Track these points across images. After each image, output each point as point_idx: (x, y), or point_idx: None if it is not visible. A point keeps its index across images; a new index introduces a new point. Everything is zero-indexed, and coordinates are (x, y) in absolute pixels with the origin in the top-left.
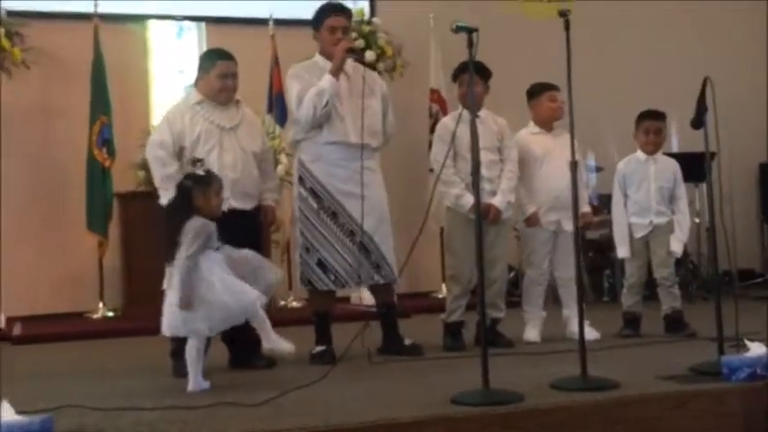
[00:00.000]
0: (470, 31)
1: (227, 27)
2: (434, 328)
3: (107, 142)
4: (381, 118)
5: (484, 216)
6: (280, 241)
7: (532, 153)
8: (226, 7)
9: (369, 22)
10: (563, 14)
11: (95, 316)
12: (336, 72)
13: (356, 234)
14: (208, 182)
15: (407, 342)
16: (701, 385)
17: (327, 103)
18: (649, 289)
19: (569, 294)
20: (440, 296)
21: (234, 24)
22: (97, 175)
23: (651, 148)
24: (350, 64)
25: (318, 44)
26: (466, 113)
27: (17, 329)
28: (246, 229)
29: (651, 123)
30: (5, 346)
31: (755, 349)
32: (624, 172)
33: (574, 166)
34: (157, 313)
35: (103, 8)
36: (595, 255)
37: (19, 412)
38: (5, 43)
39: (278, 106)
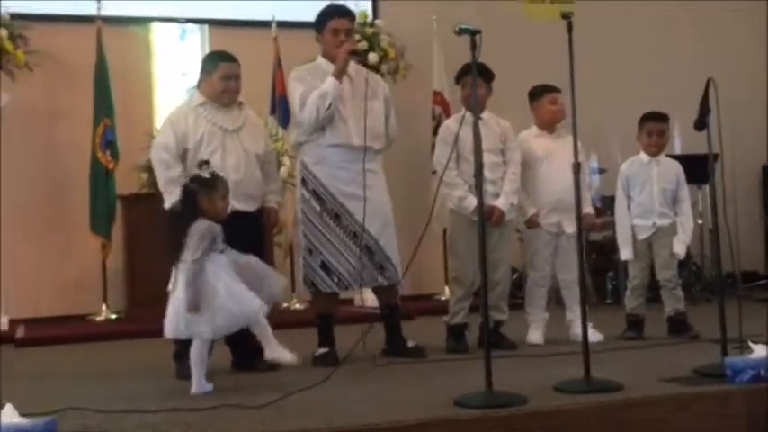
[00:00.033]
0: (473, 33)
1: (229, 29)
2: (437, 330)
3: (110, 145)
4: (384, 120)
5: (487, 218)
6: (282, 243)
7: (533, 155)
8: (228, 10)
9: (371, 24)
10: (566, 16)
11: (99, 318)
12: (339, 74)
13: (359, 236)
14: (213, 184)
15: (410, 344)
16: (704, 387)
17: (330, 105)
18: (653, 291)
19: (572, 297)
20: (443, 298)
21: (236, 27)
22: (100, 178)
23: (654, 150)
24: (352, 66)
25: (321, 46)
26: (469, 115)
27: (20, 332)
28: (249, 231)
29: (654, 125)
30: (9, 349)
31: (759, 351)
32: (627, 174)
33: (576, 167)
34: (161, 315)
35: (106, 11)
36: (598, 257)
37: (22, 415)
38: (8, 46)
39: (281, 108)
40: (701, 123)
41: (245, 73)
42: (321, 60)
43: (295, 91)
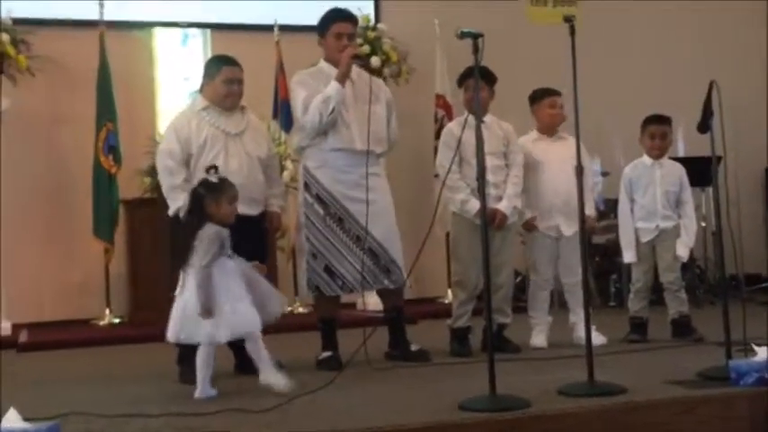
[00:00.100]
0: (475, 36)
1: (232, 34)
2: (441, 333)
3: (113, 149)
4: (386, 124)
5: (490, 221)
6: (285, 247)
7: (531, 159)
8: (230, 14)
9: (374, 28)
10: (568, 20)
11: (102, 323)
12: (342, 79)
13: (362, 239)
14: (221, 189)
15: (414, 348)
16: (708, 390)
17: (333, 109)
18: (656, 293)
19: (576, 300)
20: (446, 302)
21: (239, 31)
22: (103, 182)
23: (657, 153)
24: (355, 70)
25: (323, 50)
26: (471, 119)
27: (23, 336)
28: (252, 235)
29: (656, 128)
30: (11, 353)
31: (763, 354)
32: (630, 176)
33: (579, 170)
34: (164, 320)
35: (109, 15)
36: (602, 259)
37: (25, 419)
38: (11, 50)
39: (283, 112)
40: (704, 126)
41: (247, 77)
42: (324, 64)
43: (298, 95)
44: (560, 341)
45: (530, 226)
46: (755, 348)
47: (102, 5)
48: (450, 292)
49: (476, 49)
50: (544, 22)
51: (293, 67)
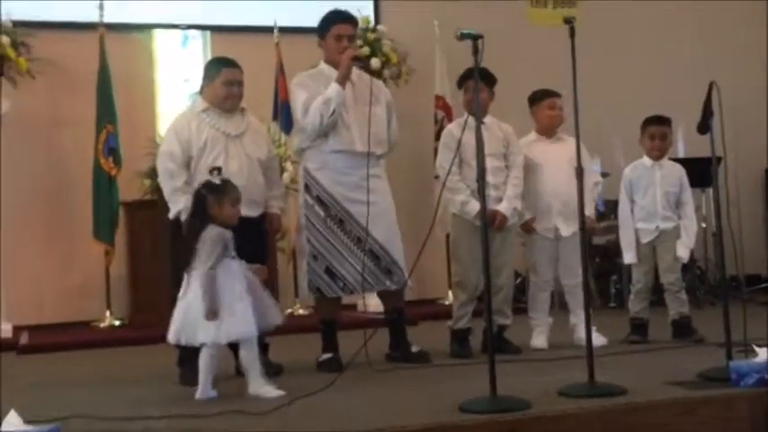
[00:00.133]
0: (475, 37)
1: (231, 35)
2: (441, 335)
3: (113, 151)
4: (386, 126)
5: (490, 223)
6: (285, 249)
7: (530, 160)
8: (230, 16)
9: (374, 30)
10: (568, 21)
11: (102, 325)
12: (343, 80)
13: (363, 241)
14: (223, 190)
15: (414, 349)
16: (709, 391)
17: (334, 111)
18: (656, 294)
19: (576, 301)
20: (446, 303)
21: (238, 33)
22: (103, 184)
23: (657, 154)
24: (355, 72)
25: (323, 52)
26: (471, 120)
27: (24, 339)
28: (252, 237)
29: (656, 129)
30: (12, 356)
31: (763, 354)
32: (630, 177)
33: (579, 172)
34: (164, 322)
35: (109, 18)
36: (602, 260)
37: (26, 422)
38: (11, 53)
39: (283, 114)
40: (703, 127)
41: (247, 79)
42: (324, 66)
43: (298, 97)
44: (561, 342)
45: (528, 227)
46: (756, 349)
47: (101, 7)
48: (450, 293)
49: (475, 51)
50: (544, 24)
51: (293, 69)
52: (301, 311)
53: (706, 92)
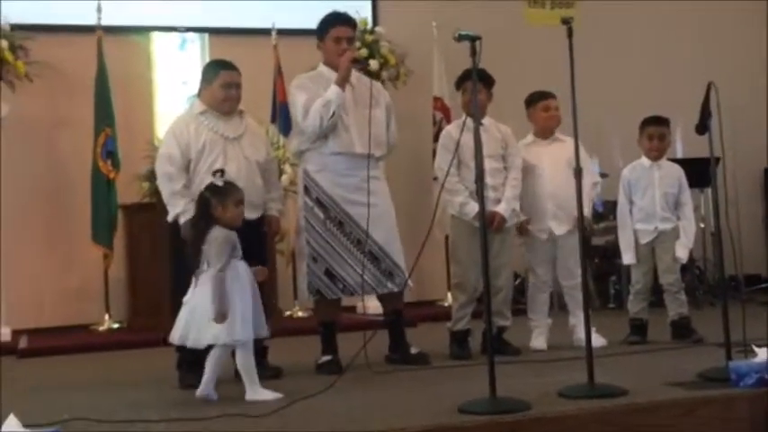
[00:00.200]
0: (473, 39)
1: (229, 38)
2: (440, 336)
3: (111, 154)
4: (385, 128)
5: (488, 224)
6: (284, 251)
7: (527, 162)
8: (228, 18)
9: (372, 31)
10: (566, 22)
11: (101, 328)
12: (342, 82)
13: (363, 243)
14: (225, 192)
15: (414, 351)
16: (709, 392)
17: (334, 113)
18: (656, 295)
19: (575, 302)
20: (446, 304)
21: (236, 35)
22: (102, 187)
23: (655, 154)
24: (354, 74)
25: (322, 54)
26: (469, 121)
27: (23, 342)
28: (251, 239)
29: (655, 129)
30: (11, 359)
31: (763, 355)
32: (629, 178)
33: (578, 172)
34: (163, 325)
35: (107, 20)
36: (601, 261)
37: (26, 425)
38: (9, 56)
39: (281, 116)
40: (702, 127)
41: (245, 81)
42: (323, 68)
43: (298, 99)
44: (560, 343)
45: (523, 229)
46: (755, 349)
47: (99, 10)
48: (449, 294)
49: (473, 52)
50: (542, 24)
51: (291, 71)
52: (300, 314)
53: (704, 91)
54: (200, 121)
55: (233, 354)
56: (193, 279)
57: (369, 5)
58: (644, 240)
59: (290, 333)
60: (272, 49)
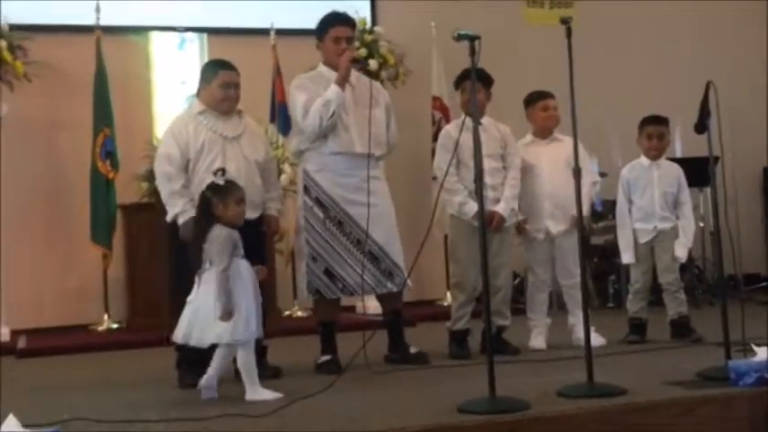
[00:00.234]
0: (472, 38)
1: (228, 38)
2: (440, 336)
3: (110, 154)
4: (385, 128)
5: (487, 223)
6: (284, 251)
7: (525, 162)
8: (227, 18)
9: (370, 31)
10: (565, 21)
11: (100, 328)
12: (342, 82)
13: (363, 243)
14: (226, 191)
15: (413, 350)
16: (708, 391)
17: (334, 113)
18: (655, 294)
19: (574, 301)
20: (445, 304)
21: (235, 35)
22: (101, 187)
23: (654, 154)
24: (354, 74)
25: (322, 54)
26: (468, 121)
27: (22, 342)
28: (250, 239)
29: (654, 128)
30: (10, 360)
31: (762, 354)
32: (628, 178)
33: (577, 172)
34: (162, 325)
35: (105, 20)
36: (600, 260)
37: (25, 425)
38: (8, 56)
39: (280, 116)
40: (701, 126)
41: (244, 81)
42: (323, 68)
43: (297, 99)
44: (559, 343)
45: (520, 229)
46: (755, 348)
47: (98, 10)
48: (448, 294)
49: (472, 52)
50: (541, 24)
51: (290, 71)
52: (300, 313)
53: (703, 91)
54: (199, 120)
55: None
56: (196, 278)
57: (367, 5)
58: (643, 240)
59: (290, 333)
60: (271, 49)
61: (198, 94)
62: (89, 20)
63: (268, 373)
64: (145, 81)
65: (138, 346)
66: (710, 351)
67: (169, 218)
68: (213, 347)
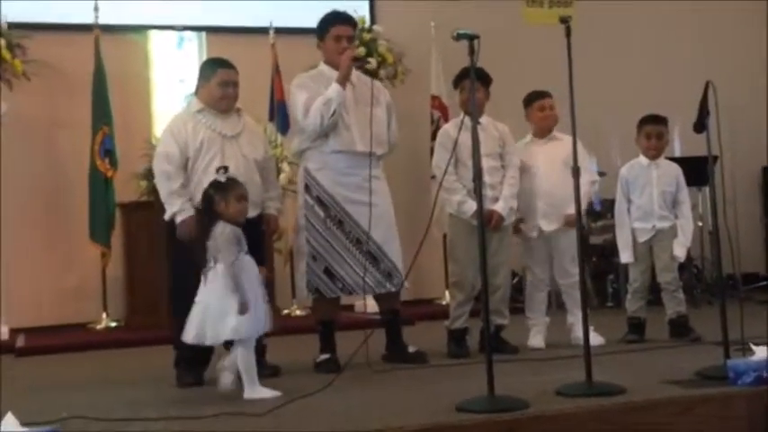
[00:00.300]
0: (471, 38)
1: (227, 36)
2: (438, 335)
3: (109, 153)
4: (386, 127)
5: (486, 223)
6: (282, 250)
7: (524, 162)
8: (226, 16)
9: (369, 30)
10: (564, 21)
11: (99, 327)
12: (343, 81)
13: (363, 242)
14: (227, 188)
15: (412, 349)
16: (707, 390)
17: (335, 112)
18: (654, 294)
19: (572, 301)
20: (443, 303)
21: (234, 34)
22: (100, 186)
23: (653, 153)
24: (354, 73)
25: (322, 53)
26: (467, 120)
27: (21, 341)
28: (250, 237)
29: (652, 128)
30: (9, 358)
31: (761, 353)
32: (627, 177)
33: (576, 172)
34: (160, 323)
35: (104, 19)
36: (599, 260)
37: (24, 424)
38: (6, 55)
39: (279, 115)
40: (700, 126)
41: (242, 79)
42: (324, 67)
43: (298, 98)
44: (558, 342)
45: (516, 228)
46: (753, 347)
47: (97, 9)
48: (447, 293)
49: (471, 51)
50: (540, 23)
51: (289, 70)
52: (298, 312)
53: (702, 91)
54: (198, 119)
55: (227, 348)
56: (202, 277)
57: (366, 4)
58: (642, 239)
59: (289, 331)
60: (270, 48)
61: (196, 93)
62: (88, 19)
63: (267, 372)
64: (144, 80)
65: (137, 344)
66: (709, 350)
67: (167, 216)
68: (212, 346)
